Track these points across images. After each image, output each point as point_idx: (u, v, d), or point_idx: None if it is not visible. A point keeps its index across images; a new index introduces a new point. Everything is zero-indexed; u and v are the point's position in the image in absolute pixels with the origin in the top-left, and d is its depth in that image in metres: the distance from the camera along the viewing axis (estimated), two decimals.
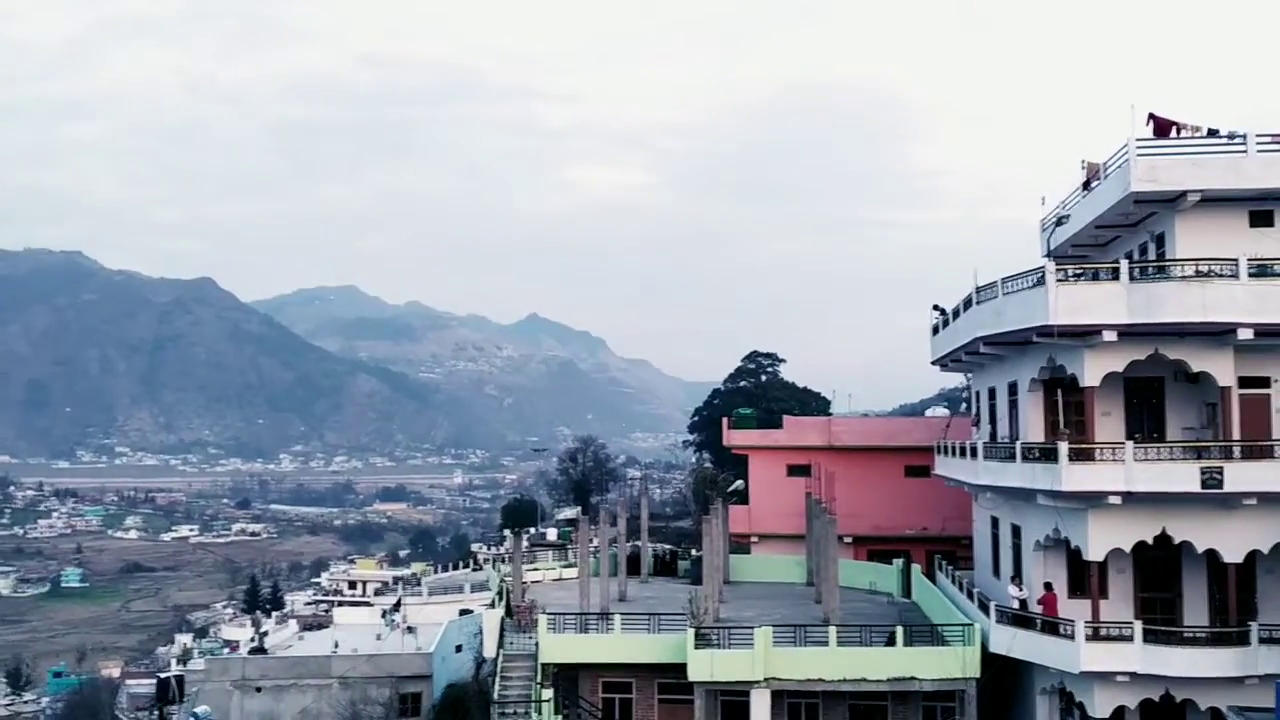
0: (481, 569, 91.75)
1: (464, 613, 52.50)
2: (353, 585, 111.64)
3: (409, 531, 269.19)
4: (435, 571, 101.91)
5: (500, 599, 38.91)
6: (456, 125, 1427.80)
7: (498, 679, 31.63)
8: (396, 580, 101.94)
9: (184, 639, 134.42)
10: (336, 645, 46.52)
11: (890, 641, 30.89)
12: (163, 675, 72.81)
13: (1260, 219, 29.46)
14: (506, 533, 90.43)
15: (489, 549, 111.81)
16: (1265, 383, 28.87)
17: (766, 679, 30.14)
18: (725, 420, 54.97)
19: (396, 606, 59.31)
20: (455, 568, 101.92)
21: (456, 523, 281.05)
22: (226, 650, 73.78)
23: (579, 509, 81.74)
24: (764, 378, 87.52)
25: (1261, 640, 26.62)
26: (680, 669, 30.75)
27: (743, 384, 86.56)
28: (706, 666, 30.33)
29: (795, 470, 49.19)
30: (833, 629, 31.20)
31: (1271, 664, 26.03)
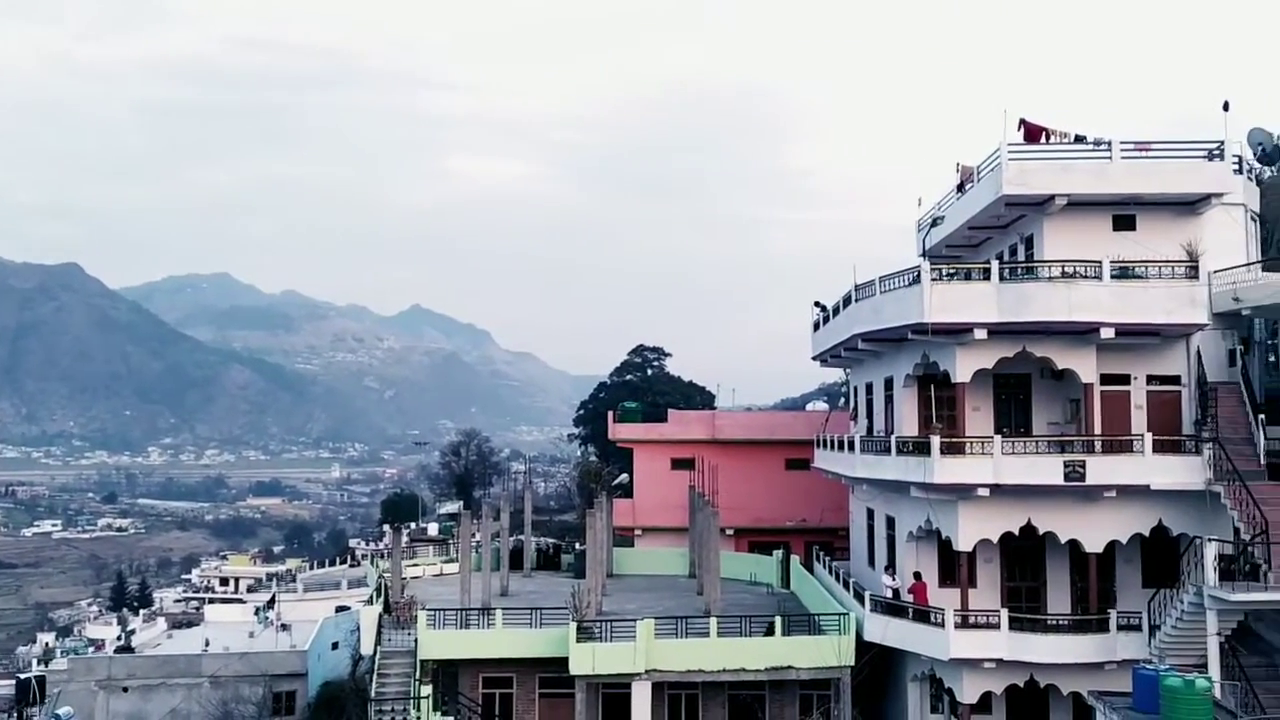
0: (359, 565, 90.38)
1: (341, 610, 51.63)
2: (225, 582, 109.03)
3: (284, 527, 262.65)
4: (311, 568, 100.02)
5: (378, 595, 38.23)
6: (338, 111, 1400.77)
7: (375, 676, 31.07)
8: (271, 577, 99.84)
9: (46, 638, 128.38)
10: (207, 643, 45.27)
11: (769, 631, 31.36)
12: (23, 676, 69.45)
13: (1123, 223, 30.70)
14: (386, 528, 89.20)
15: (368, 545, 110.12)
16: (1125, 380, 30.13)
17: (648, 671, 30.30)
18: (611, 414, 55.08)
19: (271, 603, 58.05)
20: (332, 564, 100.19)
21: (334, 518, 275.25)
22: (91, 649, 70.86)
23: (461, 503, 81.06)
24: (650, 371, 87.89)
25: (1120, 627, 27.80)
26: (562, 663, 30.68)
27: (629, 378, 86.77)
28: (588, 660, 30.33)
29: (679, 463, 49.58)
30: (713, 620, 31.53)
31: (1129, 650, 27.18)
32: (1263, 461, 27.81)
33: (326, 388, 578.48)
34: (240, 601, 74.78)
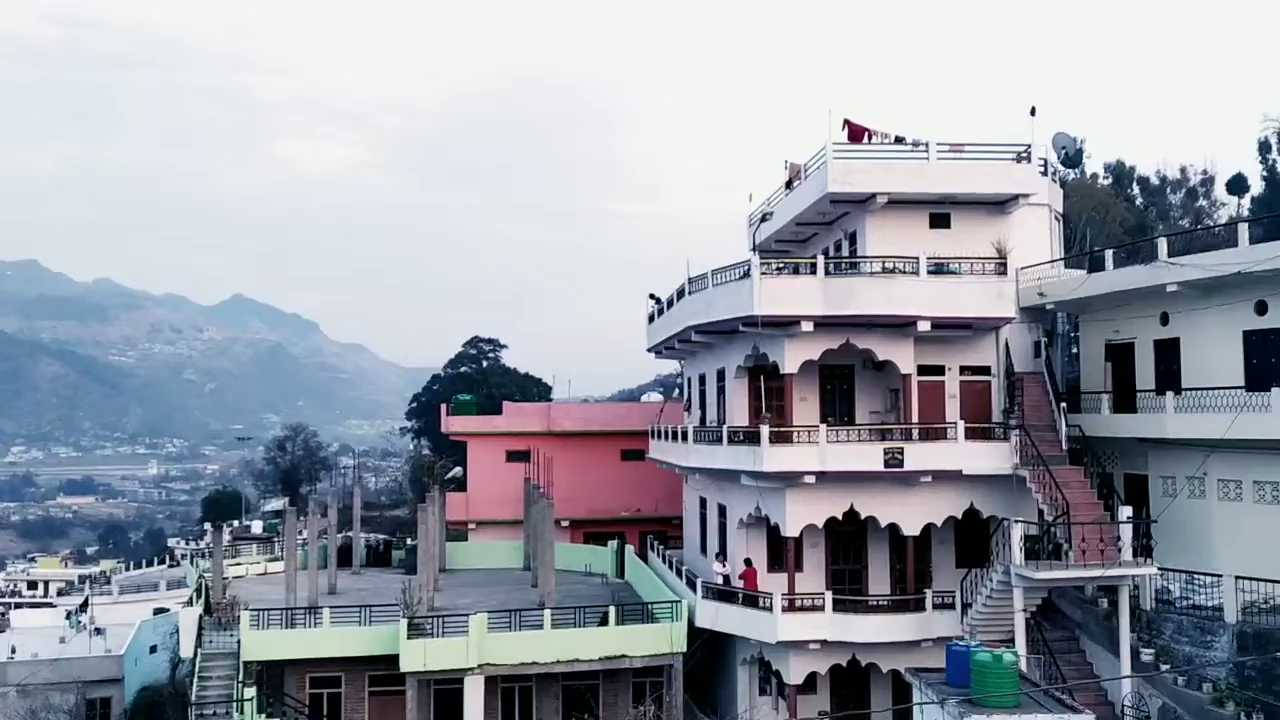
0: (179, 565, 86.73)
1: (159, 612, 49.43)
2: (33, 585, 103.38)
3: (98, 526, 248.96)
4: (127, 569, 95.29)
5: (199, 596, 36.80)
6: (158, 92, 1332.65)
7: (196, 679, 29.92)
8: (83, 579, 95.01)
9: None
10: (14, 650, 42.62)
11: (604, 622, 31.56)
12: None
13: (939, 221, 32.11)
14: (207, 526, 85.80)
15: (188, 544, 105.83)
16: (940, 371, 31.57)
17: (481, 665, 30.06)
18: (444, 406, 54.34)
19: (83, 607, 55.08)
20: (150, 564, 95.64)
21: (151, 516, 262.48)
22: None
23: (287, 500, 78.60)
24: (485, 364, 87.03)
25: (935, 606, 29.14)
26: (393, 660, 30.12)
27: (463, 370, 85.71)
28: (419, 656, 29.87)
29: (515, 456, 49.35)
30: (548, 612, 31.52)
31: (943, 628, 28.50)
32: (1064, 447, 29.59)
33: (143, 381, 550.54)
34: (50, 606, 70.57)
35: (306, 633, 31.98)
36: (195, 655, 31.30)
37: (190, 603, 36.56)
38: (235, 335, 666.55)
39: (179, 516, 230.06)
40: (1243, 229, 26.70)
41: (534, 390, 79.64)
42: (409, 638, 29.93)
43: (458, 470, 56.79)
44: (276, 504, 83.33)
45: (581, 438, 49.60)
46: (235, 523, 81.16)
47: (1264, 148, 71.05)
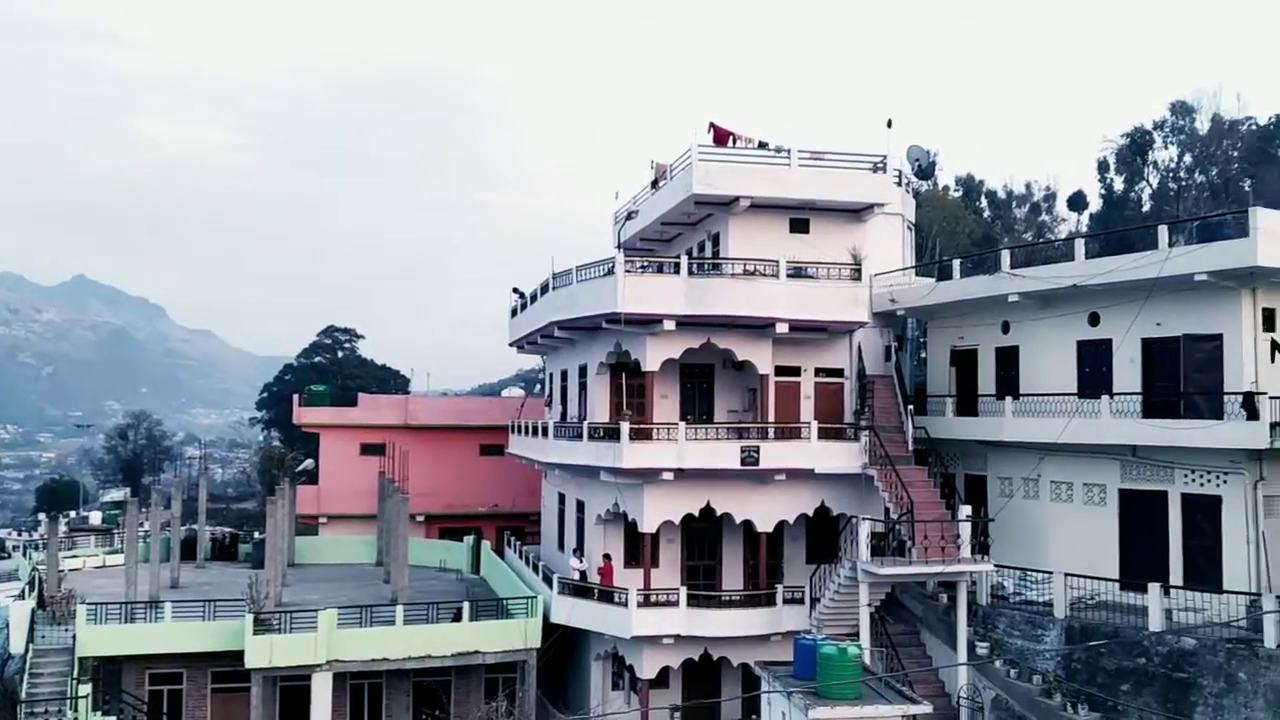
0: (10, 557, 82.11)
1: None
2: None
3: None
4: None
5: (32, 589, 35.00)
6: (6, 62, 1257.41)
7: (26, 676, 28.41)
8: None
9: None
10: None
11: (457, 618, 31.28)
12: None
13: (799, 226, 32.88)
14: (42, 516, 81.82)
15: (20, 535, 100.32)
16: (797, 372, 32.37)
17: (329, 662, 29.44)
18: (296, 397, 52.97)
19: None
20: None
21: None
22: None
23: (129, 490, 75.55)
24: (341, 354, 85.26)
25: (785, 601, 29.85)
26: (237, 656, 29.22)
27: (318, 359, 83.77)
28: (265, 652, 29.06)
29: (369, 449, 48.50)
30: (399, 608, 31.06)
31: (793, 622, 29.21)
32: (910, 448, 30.73)
33: None
34: None
35: (146, 628, 30.84)
36: (26, 651, 29.75)
37: (22, 596, 34.70)
38: (76, 318, 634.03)
39: (11, 506, 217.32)
40: (1079, 244, 28.16)
41: (391, 382, 78.47)
42: (255, 633, 29.08)
43: (309, 463, 55.45)
44: (117, 494, 79.98)
45: (439, 432, 49.05)
46: (72, 513, 77.52)
47: (1103, 167, 75.05)
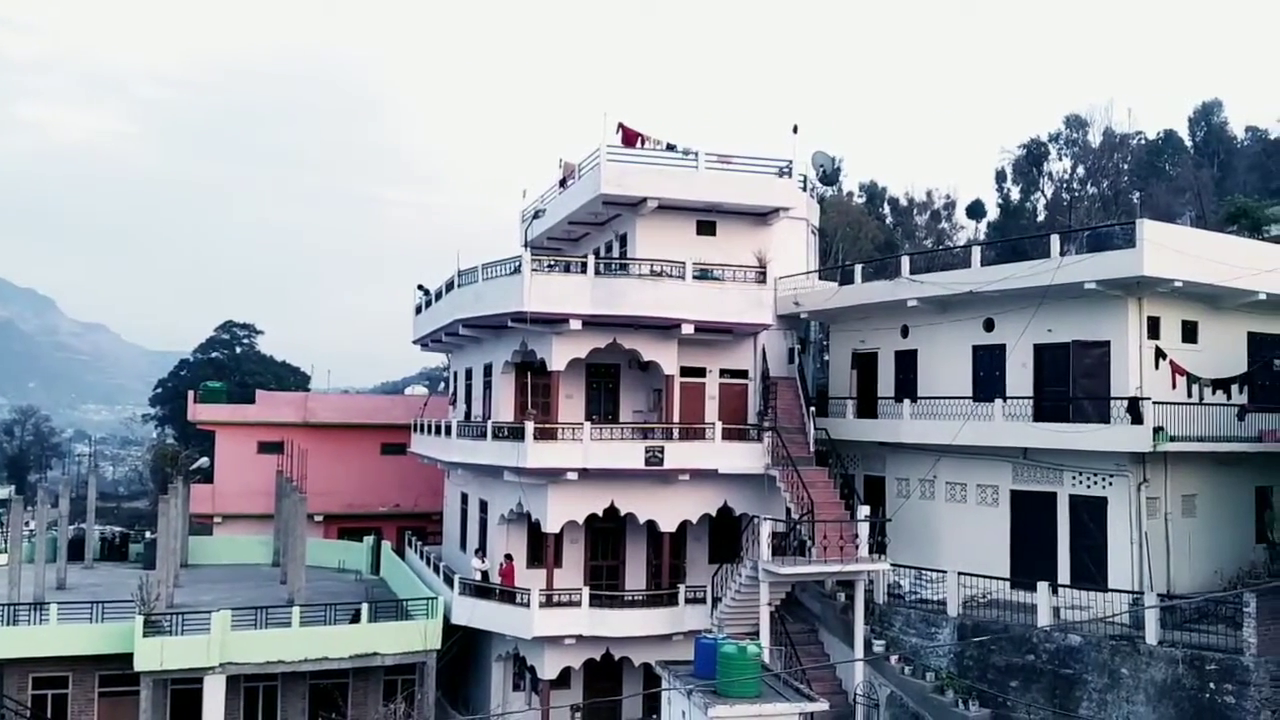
0: None
1: None
2: None
3: None
4: None
5: None
6: None
7: None
8: None
9: None
10: None
11: (355, 619, 30.79)
12: None
13: (705, 228, 33.13)
14: None
15: None
16: (702, 373, 32.61)
17: (223, 664, 28.73)
18: (192, 393, 51.58)
19: None
20: None
21: None
22: None
23: (13, 488, 72.71)
24: (239, 350, 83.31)
25: (688, 601, 30.00)
26: (126, 659, 28.36)
27: (215, 355, 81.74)
28: (156, 655, 28.24)
29: (267, 447, 47.41)
30: (296, 609, 30.46)
31: (695, 621, 29.36)
32: (811, 449, 31.17)
33: None
34: None
35: (30, 630, 29.78)
36: None
37: None
38: None
39: None
40: (975, 251, 28.89)
41: (291, 379, 77.02)
42: (145, 636, 28.27)
43: (204, 461, 54.05)
44: (1, 493, 76.80)
45: (340, 430, 48.23)
46: None
47: (1000, 177, 77.26)
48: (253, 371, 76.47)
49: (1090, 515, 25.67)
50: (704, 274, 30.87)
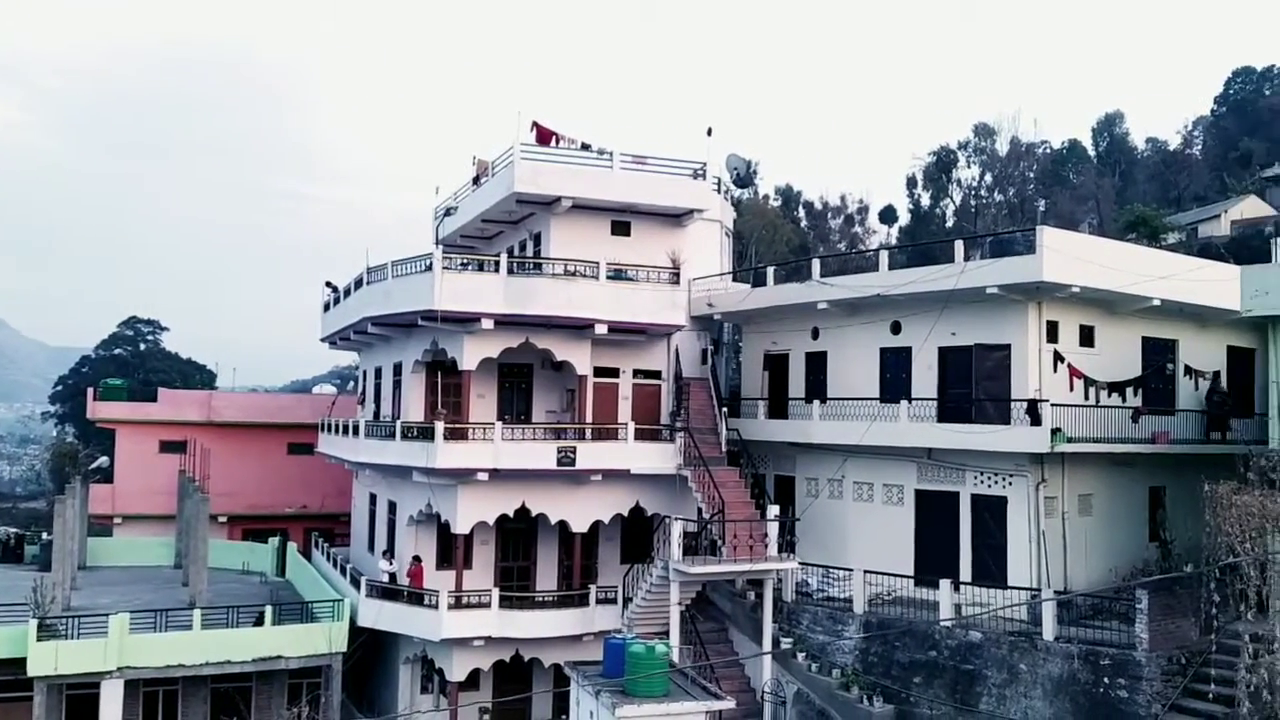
0: None
1: None
2: None
3: None
4: None
5: None
6: None
7: None
8: None
9: None
10: None
11: (259, 621, 30.15)
12: None
13: (620, 228, 33.16)
14: None
15: None
16: (615, 373, 32.63)
17: (120, 668, 27.91)
18: (91, 391, 50.05)
19: None
20: None
21: None
22: None
23: None
24: (143, 346, 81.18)
25: (599, 601, 29.98)
26: (20, 664, 27.39)
27: (118, 351, 79.51)
28: (50, 659, 27.33)
29: (169, 446, 46.16)
30: (197, 612, 29.72)
31: (605, 621, 29.38)
32: (723, 449, 31.42)
33: None
34: None
35: None
36: None
37: None
38: None
39: None
40: (884, 256, 29.36)
41: (196, 377, 75.27)
42: (39, 640, 27.33)
43: (104, 460, 52.45)
44: None
45: (245, 429, 47.18)
46: None
47: (911, 183, 78.79)
48: (157, 369, 74.57)
49: (991, 514, 26.29)
50: (618, 274, 30.88)
